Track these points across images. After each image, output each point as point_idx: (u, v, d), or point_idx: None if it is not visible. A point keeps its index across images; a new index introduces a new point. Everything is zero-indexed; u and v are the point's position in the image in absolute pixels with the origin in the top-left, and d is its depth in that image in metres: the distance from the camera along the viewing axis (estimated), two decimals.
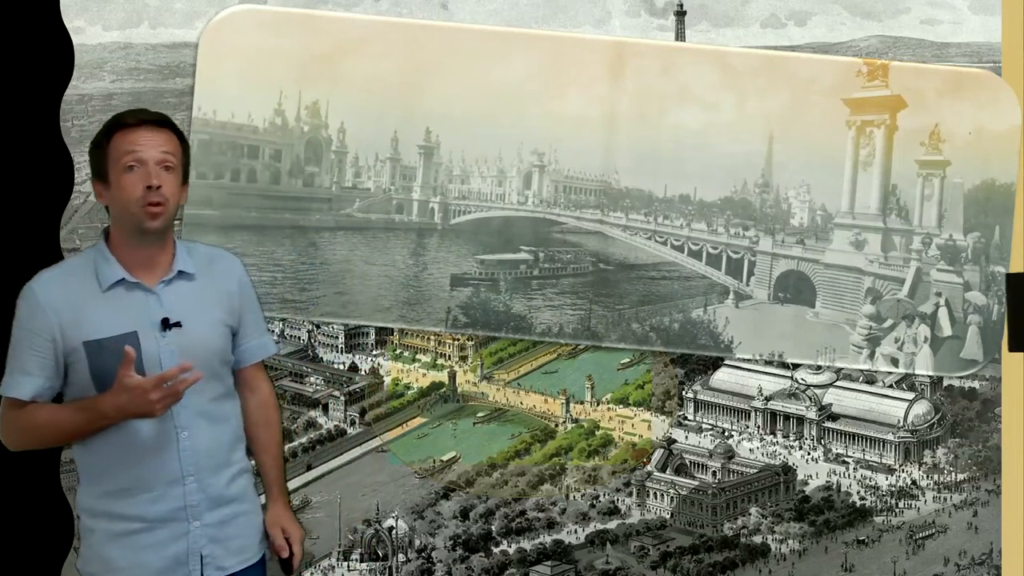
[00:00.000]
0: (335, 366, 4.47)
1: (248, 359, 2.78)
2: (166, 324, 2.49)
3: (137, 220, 2.47)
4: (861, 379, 4.50)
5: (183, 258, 2.60)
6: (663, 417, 4.51)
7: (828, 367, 4.49)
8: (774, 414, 4.54)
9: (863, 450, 4.50)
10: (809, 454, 4.52)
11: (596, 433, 4.48)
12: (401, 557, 4.38)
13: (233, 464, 2.66)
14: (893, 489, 4.47)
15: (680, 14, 4.36)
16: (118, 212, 2.50)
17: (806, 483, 4.50)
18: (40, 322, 2.45)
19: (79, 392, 2.48)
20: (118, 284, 2.50)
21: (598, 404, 4.49)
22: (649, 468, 4.49)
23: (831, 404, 4.52)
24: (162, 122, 2.55)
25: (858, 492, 4.47)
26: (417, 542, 4.40)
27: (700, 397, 4.56)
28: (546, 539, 4.43)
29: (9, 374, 2.49)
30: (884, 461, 4.49)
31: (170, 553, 2.52)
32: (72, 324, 2.45)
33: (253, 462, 2.85)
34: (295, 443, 4.36)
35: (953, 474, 4.46)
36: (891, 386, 4.49)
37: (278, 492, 2.82)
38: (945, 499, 4.46)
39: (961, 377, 4.43)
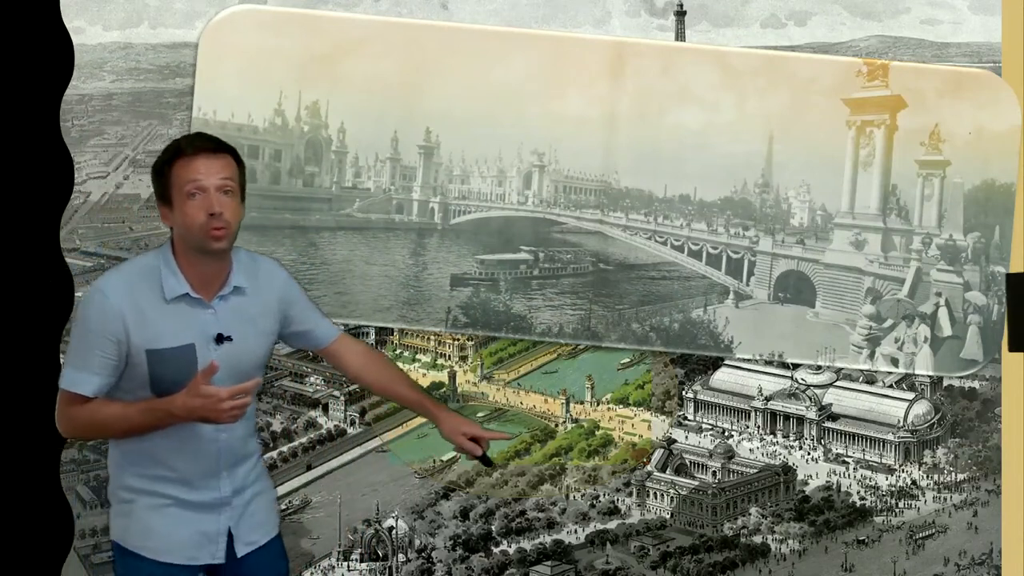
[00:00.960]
0: None
1: (322, 343, 2.97)
2: (220, 339, 2.66)
3: (201, 242, 2.61)
4: (861, 379, 4.50)
5: (237, 273, 2.73)
6: (663, 417, 4.51)
7: (828, 367, 4.49)
8: (774, 414, 4.55)
9: (863, 450, 4.50)
10: (809, 454, 4.52)
11: (596, 433, 4.48)
12: (401, 557, 4.38)
13: (252, 454, 2.85)
14: (893, 489, 4.47)
15: (680, 14, 4.36)
16: (182, 234, 2.65)
17: (806, 483, 4.50)
18: (110, 326, 2.59)
19: (132, 390, 2.64)
20: (180, 298, 2.65)
21: (598, 404, 4.49)
22: (649, 468, 4.49)
23: (831, 404, 4.52)
24: (219, 148, 2.67)
25: (858, 492, 4.47)
26: (417, 542, 4.40)
27: (700, 397, 4.56)
28: (546, 539, 4.43)
29: (73, 369, 2.62)
30: (884, 461, 4.49)
31: (201, 530, 2.73)
32: (137, 331, 2.60)
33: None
34: (295, 443, 4.36)
35: (953, 474, 4.46)
36: (891, 386, 4.49)
37: (436, 407, 2.99)
38: (945, 499, 4.46)
39: (961, 377, 4.43)
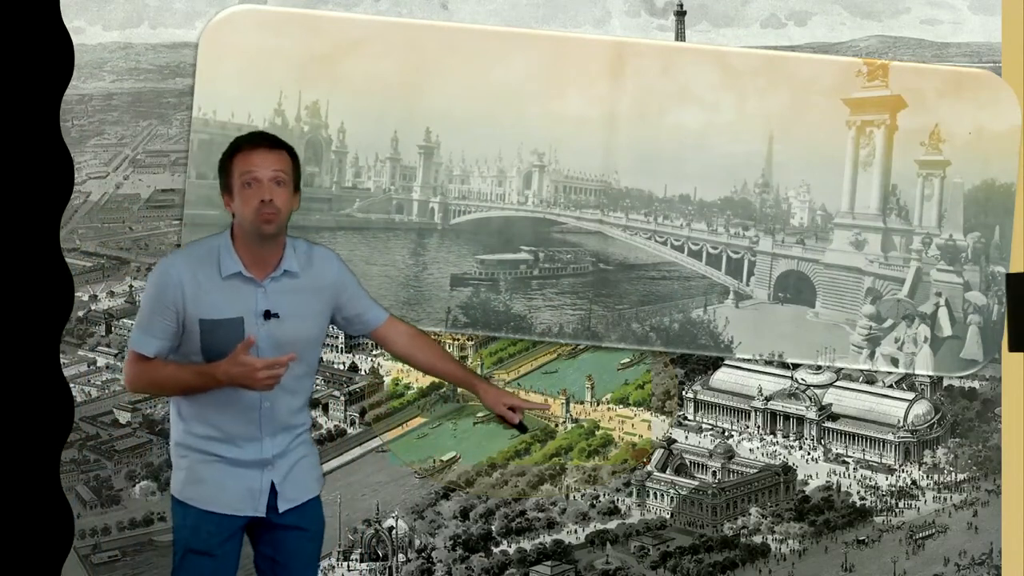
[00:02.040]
0: (335, 366, 4.47)
1: (371, 327, 3.19)
2: (267, 314, 2.92)
3: (254, 227, 2.88)
4: (861, 379, 4.51)
5: (290, 258, 2.98)
6: (663, 417, 4.51)
7: (828, 367, 4.49)
8: (774, 414, 4.55)
9: (863, 450, 4.50)
10: (809, 454, 4.52)
11: (596, 433, 4.48)
12: (401, 557, 4.38)
13: (299, 426, 3.09)
14: (893, 489, 4.47)
15: (680, 14, 4.37)
16: (240, 219, 2.92)
17: (806, 483, 4.50)
18: (170, 296, 2.90)
19: (186, 354, 2.94)
20: (235, 276, 2.93)
21: (598, 404, 4.49)
22: (649, 468, 4.49)
23: (831, 404, 4.52)
24: (274, 143, 2.94)
25: (858, 492, 4.47)
26: (417, 542, 4.40)
27: (700, 397, 4.56)
28: (546, 539, 4.44)
29: (139, 332, 2.95)
30: (884, 461, 4.49)
31: (245, 486, 3.00)
32: (193, 302, 2.90)
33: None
34: None
35: (953, 474, 4.46)
36: (891, 386, 4.49)
37: (478, 380, 3.25)
38: (945, 499, 4.46)
39: (961, 377, 4.43)
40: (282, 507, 3.03)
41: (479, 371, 4.48)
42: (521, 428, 3.20)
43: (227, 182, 2.93)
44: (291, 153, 2.96)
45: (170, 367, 2.94)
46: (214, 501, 2.99)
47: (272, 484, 3.01)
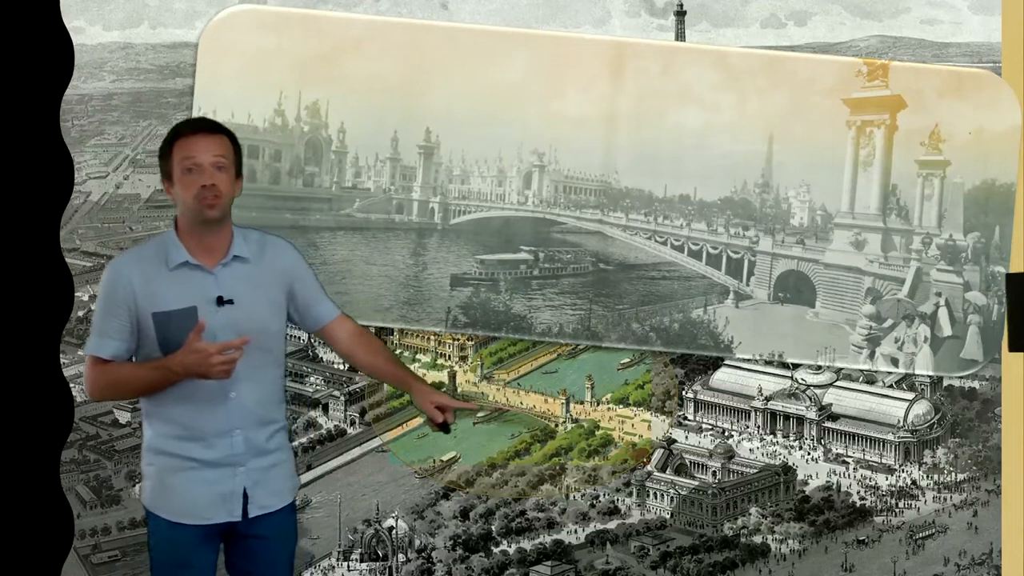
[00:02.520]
0: (335, 366, 4.47)
1: (320, 322, 3.13)
2: (220, 301, 2.88)
3: (197, 212, 2.87)
4: (861, 379, 4.50)
5: (239, 244, 2.97)
6: (663, 417, 4.51)
7: (828, 367, 4.49)
8: (774, 414, 4.55)
9: (863, 450, 4.50)
10: (809, 454, 4.52)
11: (596, 433, 4.48)
12: (401, 557, 4.38)
13: (273, 422, 3.02)
14: (893, 489, 4.47)
15: (680, 14, 4.37)
16: (182, 206, 2.91)
17: (806, 483, 4.50)
18: (120, 294, 2.89)
19: (148, 354, 2.90)
20: (182, 265, 2.91)
21: (598, 404, 4.49)
22: (649, 468, 4.49)
23: (831, 404, 4.52)
24: (214, 128, 2.95)
25: (858, 492, 4.47)
26: (417, 542, 4.40)
27: (700, 397, 4.56)
28: (546, 539, 4.43)
29: (94, 335, 2.93)
30: (884, 461, 4.49)
31: (217, 491, 2.93)
32: (144, 297, 2.88)
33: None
34: (295, 443, 4.36)
35: (953, 474, 4.46)
36: (891, 386, 4.49)
37: (412, 378, 3.17)
38: (945, 499, 4.46)
39: (961, 377, 4.43)
40: (252, 512, 2.96)
41: (479, 371, 4.48)
42: (443, 428, 3.13)
43: (168, 169, 2.92)
44: (232, 138, 2.96)
45: (127, 366, 2.91)
46: (184, 513, 2.93)
47: (244, 490, 2.94)
